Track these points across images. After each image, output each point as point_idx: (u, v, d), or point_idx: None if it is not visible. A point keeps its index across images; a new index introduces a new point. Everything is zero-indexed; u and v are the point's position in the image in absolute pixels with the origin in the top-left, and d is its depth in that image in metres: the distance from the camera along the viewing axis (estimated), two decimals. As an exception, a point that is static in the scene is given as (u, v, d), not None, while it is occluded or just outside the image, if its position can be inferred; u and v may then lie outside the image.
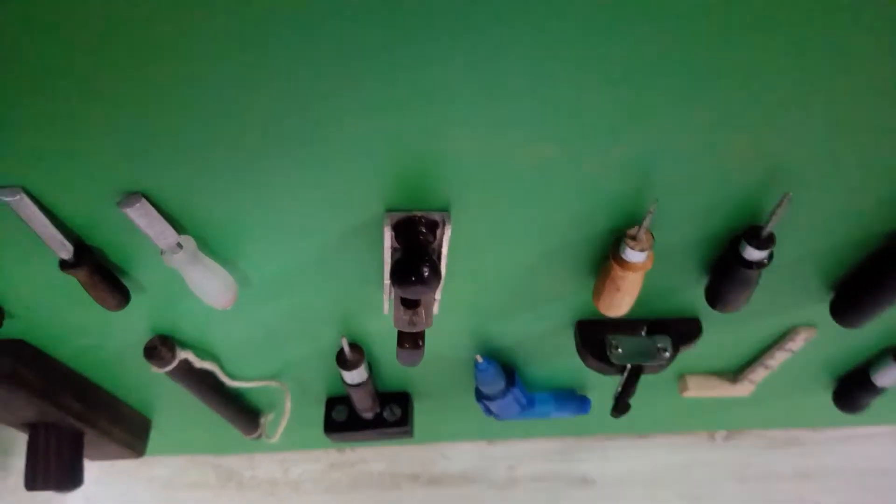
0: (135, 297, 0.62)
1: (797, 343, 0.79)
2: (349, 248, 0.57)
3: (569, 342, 0.75)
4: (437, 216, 0.53)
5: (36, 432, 0.80)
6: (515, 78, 0.42)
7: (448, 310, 0.68)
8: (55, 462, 0.80)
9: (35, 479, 0.80)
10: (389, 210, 0.53)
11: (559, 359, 0.83)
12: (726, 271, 0.60)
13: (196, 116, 0.44)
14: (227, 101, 0.43)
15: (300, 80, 0.42)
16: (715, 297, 0.63)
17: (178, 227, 0.54)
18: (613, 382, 0.89)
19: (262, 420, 0.94)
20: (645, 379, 0.81)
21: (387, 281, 0.58)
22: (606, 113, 0.45)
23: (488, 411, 0.88)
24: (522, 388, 0.87)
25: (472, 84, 0.42)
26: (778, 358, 0.82)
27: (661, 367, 0.72)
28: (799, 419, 1.11)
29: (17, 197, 0.49)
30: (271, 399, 0.92)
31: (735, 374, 0.89)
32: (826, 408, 0.98)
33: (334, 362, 0.75)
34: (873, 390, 0.87)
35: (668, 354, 0.71)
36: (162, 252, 0.54)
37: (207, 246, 0.57)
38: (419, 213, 0.53)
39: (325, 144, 0.47)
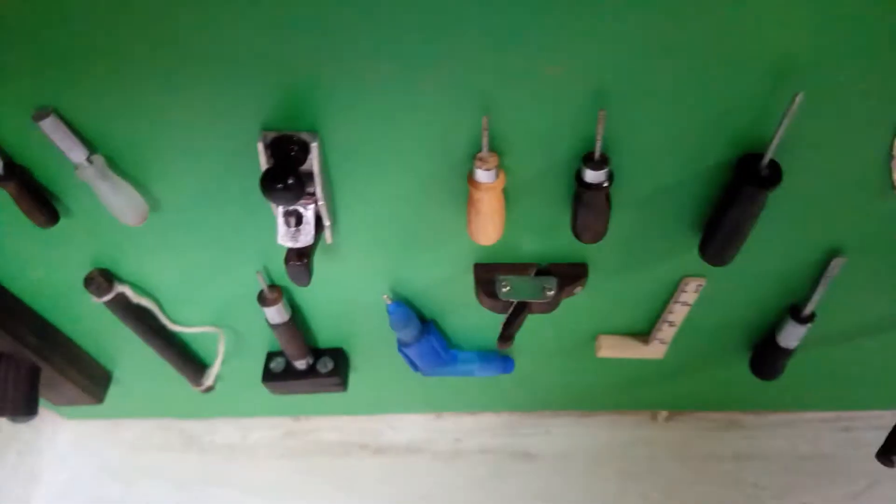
0: (64, 220, 0.72)
1: (689, 295, 0.83)
2: (234, 170, 0.66)
3: (471, 290, 0.82)
4: (306, 136, 0.62)
5: (-5, 364, 0.89)
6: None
7: (349, 243, 0.76)
8: (11, 391, 0.89)
9: (-9, 407, 0.89)
10: (264, 129, 0.61)
11: (470, 312, 0.89)
12: (577, 198, 0.66)
13: (101, 29, 0.53)
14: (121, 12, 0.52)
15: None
16: (575, 226, 0.69)
17: (90, 146, 0.63)
18: (537, 348, 0.96)
19: (208, 371, 1.01)
20: (564, 342, 0.87)
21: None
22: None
23: (412, 364, 0.94)
24: (441, 339, 0.93)
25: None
26: (677, 312, 0.87)
27: (550, 307, 0.78)
28: (737, 401, 1.14)
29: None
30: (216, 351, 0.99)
31: (646, 335, 0.93)
32: (763, 390, 1.01)
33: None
34: (781, 352, 0.90)
35: (551, 293, 0.77)
36: (75, 167, 0.63)
37: (117, 166, 0.66)
38: (290, 133, 0.61)
39: (214, 64, 0.56)
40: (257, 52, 0.55)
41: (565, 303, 0.86)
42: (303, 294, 0.86)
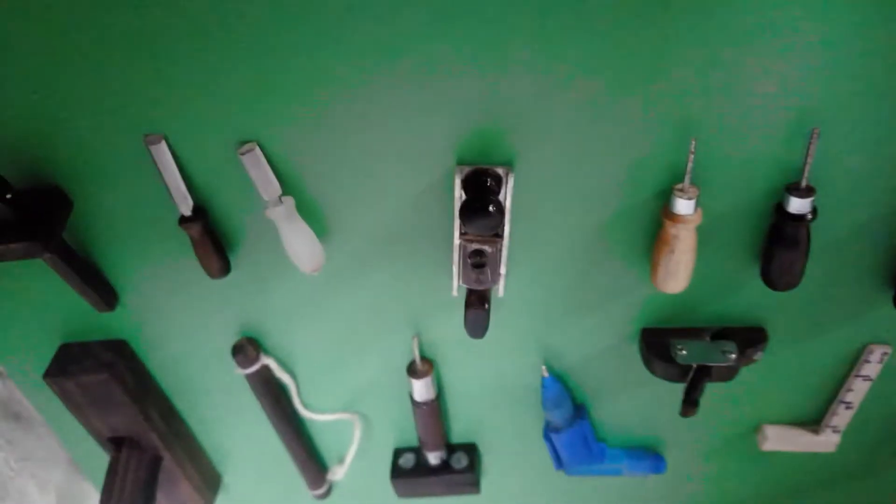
0: (233, 273, 0.70)
1: (873, 367, 0.77)
2: (423, 208, 0.65)
3: (636, 366, 0.76)
4: (500, 170, 0.61)
5: (118, 450, 0.83)
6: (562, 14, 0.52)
7: (515, 300, 0.73)
8: (131, 484, 0.83)
9: (110, 499, 0.82)
10: (459, 164, 0.61)
11: (626, 394, 0.83)
12: (774, 233, 0.63)
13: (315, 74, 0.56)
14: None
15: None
16: (769, 269, 0.65)
17: (282, 186, 0.64)
18: (692, 441, 0.88)
19: (329, 476, 0.94)
20: (722, 433, 0.81)
21: (456, 242, 0.64)
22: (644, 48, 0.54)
23: (555, 457, 0.87)
24: (591, 429, 0.85)
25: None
26: (857, 390, 0.80)
27: (730, 372, 0.72)
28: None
29: (160, 143, 0.60)
30: (340, 449, 0.92)
31: (816, 422, 0.85)
32: None
33: (406, 396, 0.79)
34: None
35: (733, 356, 0.71)
36: (265, 206, 0.63)
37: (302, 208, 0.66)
38: (486, 167, 0.61)
39: (406, 105, 0.57)
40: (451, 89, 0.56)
41: (722, 386, 0.80)
42: (450, 369, 0.82)
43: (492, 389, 0.84)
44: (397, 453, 0.92)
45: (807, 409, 0.84)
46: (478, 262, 0.63)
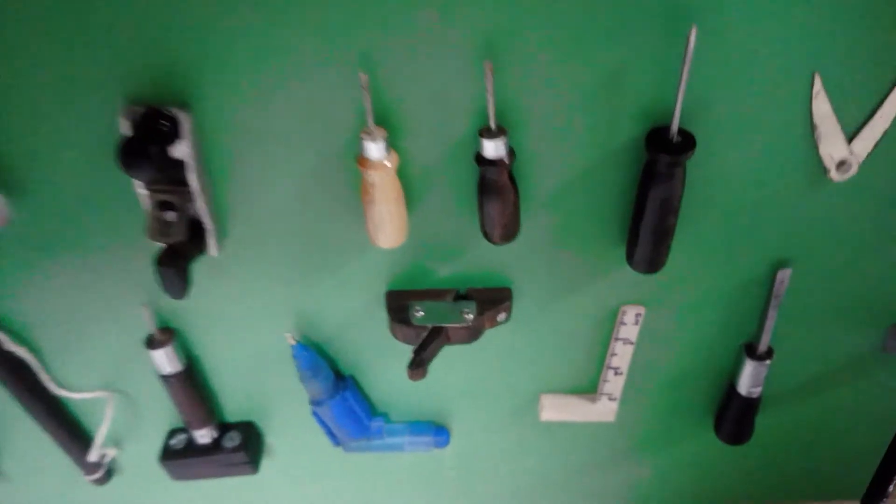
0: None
1: (630, 329, 0.75)
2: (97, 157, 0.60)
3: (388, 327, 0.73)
4: (178, 112, 0.57)
5: None
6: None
7: (241, 260, 0.68)
8: None
9: None
10: (128, 103, 0.57)
11: (393, 363, 0.79)
12: (480, 184, 0.60)
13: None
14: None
15: None
16: (482, 221, 0.62)
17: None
18: (473, 413, 0.85)
19: (90, 458, 0.87)
20: (502, 403, 0.79)
21: (140, 192, 0.60)
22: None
23: (330, 434, 0.83)
24: (362, 401, 0.82)
25: None
26: (621, 354, 0.77)
27: (470, 333, 0.69)
28: (714, 488, 1.00)
29: None
30: (119, 431, 0.87)
31: (593, 391, 0.83)
32: (748, 475, 0.90)
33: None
34: (743, 403, 0.80)
35: (470, 316, 0.68)
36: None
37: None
38: (159, 107, 0.57)
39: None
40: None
41: (499, 350, 0.77)
42: (201, 341, 0.77)
43: (255, 362, 0.79)
44: (171, 434, 0.87)
45: (582, 377, 0.82)
46: (160, 216, 0.59)
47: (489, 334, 0.74)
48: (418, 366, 0.66)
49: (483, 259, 0.70)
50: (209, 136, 0.59)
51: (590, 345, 0.78)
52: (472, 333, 0.70)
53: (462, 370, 0.81)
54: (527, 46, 0.55)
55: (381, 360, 0.79)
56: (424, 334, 0.68)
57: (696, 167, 0.61)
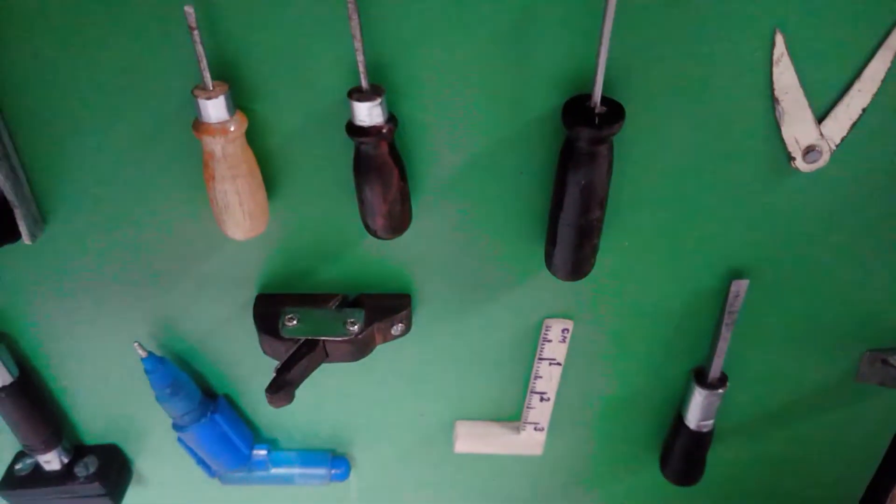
0: None
1: (556, 347, 0.62)
2: None
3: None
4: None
5: None
6: None
7: (72, 249, 0.55)
8: None
9: None
10: None
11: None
12: (355, 160, 0.47)
13: None
14: None
15: None
16: (361, 206, 0.49)
17: None
18: (378, 439, 0.72)
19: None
20: (414, 432, 0.68)
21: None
22: None
23: (198, 459, 0.69)
24: (239, 425, 0.68)
25: None
26: (547, 377, 0.65)
27: (356, 350, 0.56)
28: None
29: None
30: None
31: (517, 420, 0.70)
32: None
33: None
34: (693, 438, 0.67)
35: (355, 328, 0.55)
36: None
37: None
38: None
39: None
40: None
41: (405, 369, 0.64)
42: (40, 347, 0.63)
43: (111, 374, 0.66)
44: (17, 457, 0.73)
45: (504, 402, 0.69)
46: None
47: (391, 349, 0.61)
48: (278, 390, 0.52)
49: (376, 259, 0.57)
50: (9, 86, 0.46)
51: (511, 365, 0.65)
52: (359, 349, 0.57)
53: (364, 391, 0.68)
54: None
55: (262, 377, 0.65)
56: (293, 348, 0.55)
57: (628, 148, 0.48)
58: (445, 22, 0.43)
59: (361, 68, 0.43)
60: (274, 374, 0.53)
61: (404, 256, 0.57)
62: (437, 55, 0.45)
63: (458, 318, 0.61)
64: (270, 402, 0.53)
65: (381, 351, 0.60)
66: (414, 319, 0.61)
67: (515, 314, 0.60)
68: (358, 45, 0.42)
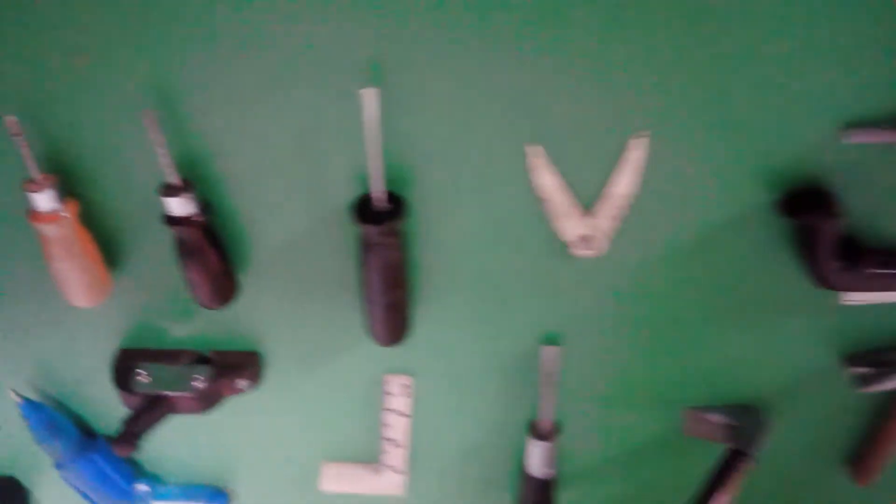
0: None
1: (400, 400, 0.68)
2: None
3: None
4: None
5: None
6: None
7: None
8: None
9: None
10: None
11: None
12: (175, 247, 0.53)
13: None
14: None
15: None
16: (187, 282, 0.56)
17: None
18: (254, 476, 0.78)
19: None
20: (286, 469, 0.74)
21: None
22: None
23: (83, 494, 0.75)
24: (117, 462, 0.74)
25: None
26: (396, 426, 0.70)
27: (203, 403, 0.62)
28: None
29: None
30: None
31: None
32: None
33: None
34: (534, 483, 0.73)
35: (199, 384, 0.62)
36: None
37: None
38: None
39: None
40: None
41: (276, 413, 0.70)
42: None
43: (4, 412, 0.72)
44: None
45: (365, 447, 0.75)
46: None
47: (258, 397, 0.67)
48: (124, 441, 0.58)
49: (225, 319, 0.63)
50: None
51: (365, 413, 0.71)
52: (204, 403, 0.63)
53: (238, 434, 0.74)
54: (206, 91, 0.48)
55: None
56: (141, 402, 0.61)
57: (424, 234, 0.54)
58: (248, 120, 0.50)
59: (167, 169, 0.49)
60: (122, 426, 0.59)
61: (250, 318, 0.63)
62: (246, 150, 0.51)
63: (308, 372, 0.67)
64: (115, 451, 0.59)
65: (249, 399, 0.66)
66: (269, 373, 0.66)
67: (357, 371, 0.66)
68: (161, 149, 0.48)
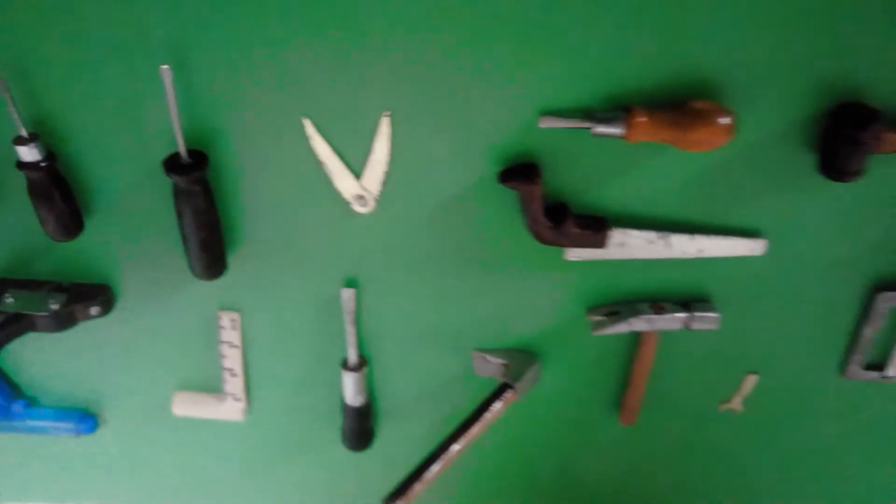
0: None
1: (231, 333, 0.82)
2: None
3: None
4: None
5: None
6: None
7: None
8: None
9: None
10: None
11: (44, 346, 0.84)
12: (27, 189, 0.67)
13: None
14: None
15: None
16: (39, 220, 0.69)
17: None
18: (119, 402, 0.90)
19: None
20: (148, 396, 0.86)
21: None
22: None
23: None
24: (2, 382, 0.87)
25: None
26: (231, 357, 0.84)
27: (56, 323, 0.76)
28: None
29: None
30: None
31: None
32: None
33: None
34: (351, 411, 0.87)
35: (55, 307, 0.75)
36: None
37: None
38: None
39: None
40: None
41: (125, 344, 0.83)
42: None
43: None
44: None
45: (210, 377, 0.88)
46: None
47: (109, 327, 0.81)
48: (-15, 347, 0.72)
49: (80, 256, 0.76)
50: None
51: (206, 346, 0.84)
52: (60, 323, 0.76)
53: (106, 360, 0.86)
54: (50, 67, 0.62)
55: (22, 342, 0.84)
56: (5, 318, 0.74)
57: (232, 187, 0.69)
58: (86, 91, 0.64)
59: (18, 124, 0.63)
60: (-16, 335, 0.73)
61: (102, 256, 0.76)
62: (85, 113, 0.65)
63: (153, 305, 0.80)
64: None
65: (108, 330, 0.80)
66: (121, 305, 0.80)
67: (194, 306, 0.80)
68: (12, 109, 0.62)
